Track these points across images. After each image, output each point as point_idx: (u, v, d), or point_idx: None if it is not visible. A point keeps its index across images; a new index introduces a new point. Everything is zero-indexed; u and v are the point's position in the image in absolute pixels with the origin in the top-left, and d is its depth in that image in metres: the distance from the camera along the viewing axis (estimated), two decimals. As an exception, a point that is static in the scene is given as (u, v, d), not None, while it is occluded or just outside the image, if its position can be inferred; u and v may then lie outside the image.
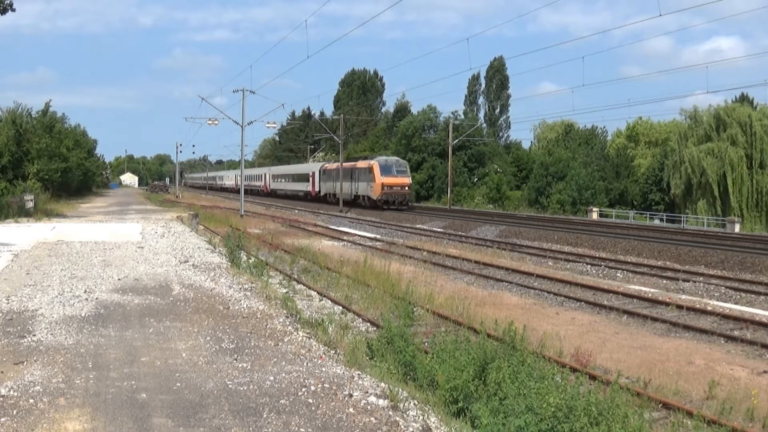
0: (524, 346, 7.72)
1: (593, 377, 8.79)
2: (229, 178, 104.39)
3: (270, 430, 4.99)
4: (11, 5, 26.57)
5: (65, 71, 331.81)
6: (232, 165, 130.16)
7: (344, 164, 54.18)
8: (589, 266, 20.70)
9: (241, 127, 45.15)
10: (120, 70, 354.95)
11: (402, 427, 5.14)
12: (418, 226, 35.83)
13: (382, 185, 48.02)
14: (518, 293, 15.97)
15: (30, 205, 29.87)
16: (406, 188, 49.39)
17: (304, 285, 16.43)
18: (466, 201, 61.42)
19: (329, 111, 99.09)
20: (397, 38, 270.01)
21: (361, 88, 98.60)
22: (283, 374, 6.34)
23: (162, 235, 20.29)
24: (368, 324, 12.36)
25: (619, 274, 19.26)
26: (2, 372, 6.28)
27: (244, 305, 9.74)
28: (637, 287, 16.68)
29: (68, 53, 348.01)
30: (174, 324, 8.42)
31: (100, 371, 6.38)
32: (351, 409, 5.44)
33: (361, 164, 52.06)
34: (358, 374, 6.48)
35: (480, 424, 5.71)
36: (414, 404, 5.91)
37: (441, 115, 73.68)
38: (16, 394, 5.66)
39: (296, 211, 50.49)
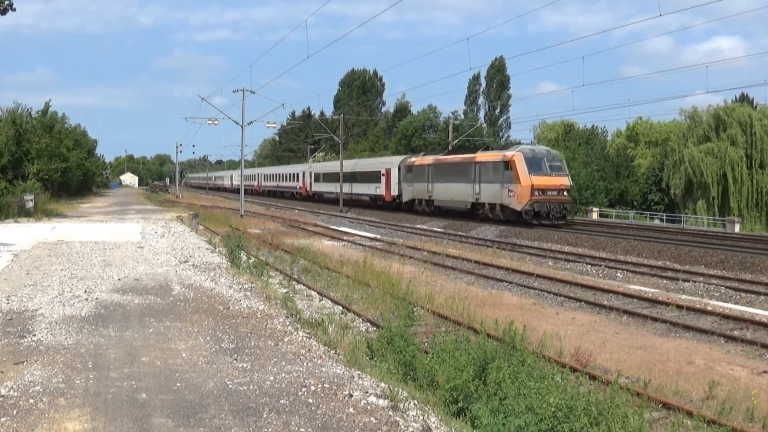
0: (524, 346, 7.73)
1: (593, 377, 8.79)
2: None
3: (270, 430, 4.99)
4: (11, 5, 26.56)
5: (65, 71, 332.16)
6: (232, 165, 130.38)
7: (448, 156, 39.98)
8: (589, 266, 20.70)
9: (241, 127, 45.17)
10: (120, 70, 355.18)
11: (402, 427, 5.14)
12: (418, 226, 35.83)
13: (532, 188, 31.82)
14: (518, 293, 15.96)
15: (30, 205, 29.87)
16: (565, 193, 33.27)
17: (304, 285, 16.43)
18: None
19: (329, 111, 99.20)
20: (397, 38, 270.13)
21: (361, 88, 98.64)
22: (283, 374, 6.34)
23: (162, 235, 20.29)
24: (368, 324, 12.36)
25: (619, 274, 19.26)
26: (2, 372, 6.28)
27: (244, 305, 9.74)
28: (637, 287, 16.68)
29: (68, 53, 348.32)
30: (174, 324, 8.42)
31: (100, 371, 6.38)
32: (351, 409, 5.44)
33: (487, 156, 35.90)
34: (358, 374, 6.48)
35: (480, 424, 5.71)
36: (414, 404, 5.91)
37: (441, 115, 73.77)
38: (16, 394, 5.66)
39: (296, 211, 50.49)
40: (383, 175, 47.65)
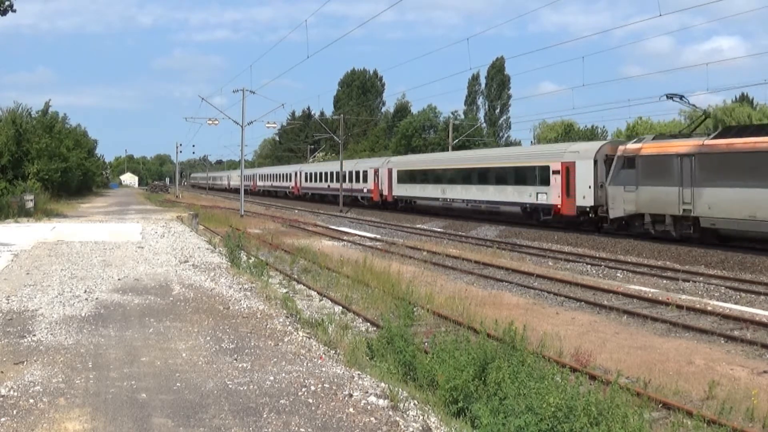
0: (524, 346, 7.73)
1: (593, 377, 8.79)
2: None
3: (270, 430, 4.99)
4: (11, 6, 26.58)
5: (65, 71, 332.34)
6: (232, 165, 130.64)
7: (744, 140, 21.12)
8: (589, 266, 20.70)
9: (241, 127, 45.19)
10: (120, 70, 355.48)
11: (402, 427, 5.14)
12: (418, 226, 35.83)
13: None
14: (518, 293, 15.96)
15: (30, 205, 29.88)
16: None
17: (304, 285, 16.43)
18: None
19: (329, 111, 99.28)
20: (398, 38, 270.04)
21: (361, 88, 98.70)
22: (283, 374, 6.34)
23: (162, 235, 20.29)
24: (368, 324, 12.36)
25: (619, 274, 19.26)
26: (2, 372, 6.28)
27: (244, 305, 9.74)
28: (637, 287, 16.67)
29: (68, 53, 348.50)
30: (174, 324, 8.42)
31: (100, 371, 6.38)
32: (351, 409, 5.44)
33: None
34: (358, 374, 6.48)
35: (480, 424, 5.71)
36: (414, 404, 5.91)
37: (441, 115, 73.75)
38: (16, 394, 5.66)
39: (296, 211, 50.48)
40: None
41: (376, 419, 5.24)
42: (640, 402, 7.43)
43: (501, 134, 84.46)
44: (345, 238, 29.20)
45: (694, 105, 30.65)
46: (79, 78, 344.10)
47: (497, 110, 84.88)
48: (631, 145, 25.47)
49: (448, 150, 57.71)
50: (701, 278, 17.94)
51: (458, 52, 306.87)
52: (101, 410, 5.32)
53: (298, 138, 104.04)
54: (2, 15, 26.47)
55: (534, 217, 31.47)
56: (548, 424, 5.64)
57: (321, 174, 60.86)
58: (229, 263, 14.77)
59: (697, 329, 12.02)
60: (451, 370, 6.95)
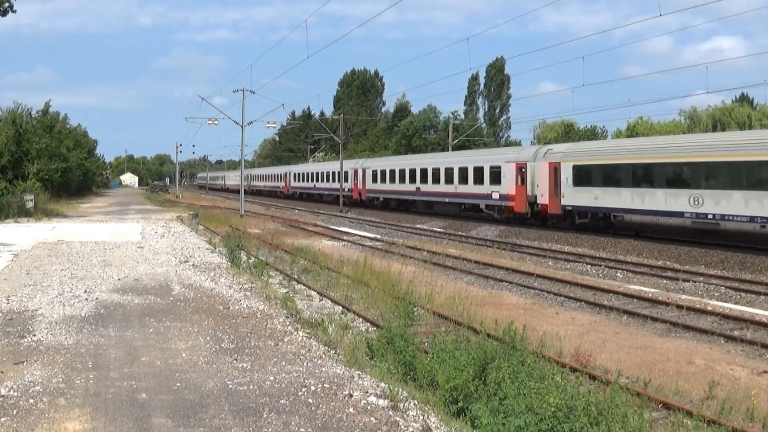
0: (524, 346, 7.72)
1: (593, 377, 8.79)
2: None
3: (270, 430, 4.99)
4: (11, 6, 26.57)
5: (65, 71, 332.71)
6: (232, 165, 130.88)
7: None
8: (589, 266, 20.69)
9: (241, 127, 45.19)
10: (120, 70, 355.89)
11: (402, 427, 5.14)
12: (418, 226, 35.83)
13: None
14: (518, 293, 15.96)
15: (30, 205, 29.88)
16: None
17: (304, 285, 16.43)
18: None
19: (329, 111, 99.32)
20: (398, 38, 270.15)
21: (361, 88, 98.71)
22: (283, 374, 6.34)
23: (162, 235, 20.28)
24: (368, 324, 12.36)
25: (619, 274, 19.26)
26: (2, 372, 6.28)
27: (244, 305, 9.74)
28: (637, 287, 16.67)
29: (68, 53, 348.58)
30: (174, 324, 8.42)
31: (100, 371, 6.38)
32: (351, 409, 5.44)
33: None
34: (358, 374, 6.48)
35: (480, 424, 5.71)
36: (414, 404, 5.91)
37: (441, 115, 73.72)
38: (16, 394, 5.66)
39: (296, 211, 50.49)
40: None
41: (376, 419, 5.24)
42: (640, 402, 7.43)
43: (501, 134, 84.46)
44: (345, 238, 29.20)
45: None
46: (79, 78, 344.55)
47: (497, 110, 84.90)
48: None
49: (447, 149, 57.91)
50: (701, 278, 17.94)
51: (458, 52, 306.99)
52: (101, 410, 5.32)
53: (298, 138, 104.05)
54: (2, 15, 26.46)
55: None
56: (548, 424, 5.64)
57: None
58: (229, 263, 14.76)
59: (697, 329, 12.02)
60: (451, 370, 6.95)
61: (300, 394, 5.78)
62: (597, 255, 23.08)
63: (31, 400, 5.51)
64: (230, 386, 5.95)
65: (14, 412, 5.25)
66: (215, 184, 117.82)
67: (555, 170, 29.02)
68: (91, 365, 6.58)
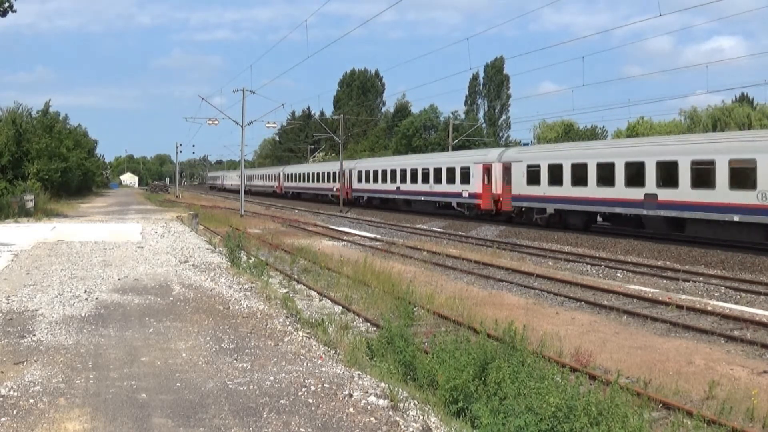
0: (524, 346, 7.72)
1: (593, 377, 8.79)
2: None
3: (270, 430, 4.99)
4: (11, 7, 26.56)
5: (65, 71, 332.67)
6: (232, 165, 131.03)
7: None
8: (589, 266, 20.69)
9: (241, 127, 45.20)
10: (120, 70, 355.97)
11: (402, 427, 5.14)
12: (418, 226, 35.82)
13: None
14: (518, 293, 15.96)
15: (30, 205, 29.88)
16: None
17: (304, 285, 16.43)
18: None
19: (329, 111, 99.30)
20: (398, 38, 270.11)
21: (361, 88, 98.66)
22: (283, 374, 6.34)
23: (162, 235, 20.28)
24: (368, 324, 12.36)
25: (619, 274, 19.25)
26: (2, 372, 6.28)
27: (244, 305, 9.74)
28: (637, 287, 16.67)
29: (68, 53, 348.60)
30: (174, 324, 8.42)
31: (100, 371, 6.38)
32: (351, 409, 5.44)
33: None
34: (358, 374, 6.48)
35: (480, 424, 5.71)
36: (414, 404, 5.91)
37: (441, 115, 73.73)
38: (16, 394, 5.66)
39: (296, 211, 50.50)
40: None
41: (376, 419, 5.24)
42: (640, 402, 7.43)
43: (501, 134, 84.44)
44: (345, 238, 29.19)
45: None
46: (79, 78, 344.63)
47: (497, 110, 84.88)
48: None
49: (448, 149, 57.96)
50: (701, 278, 17.93)
51: (458, 52, 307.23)
52: (101, 410, 5.32)
53: (298, 138, 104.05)
54: (2, 16, 26.45)
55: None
56: (548, 424, 5.64)
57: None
58: (229, 263, 14.76)
59: (697, 329, 12.02)
60: (451, 370, 6.95)
61: (300, 394, 5.78)
62: (597, 255, 23.07)
63: (31, 400, 5.51)
64: (230, 386, 5.95)
65: (14, 412, 5.25)
66: (216, 184, 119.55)
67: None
68: (91, 365, 6.58)
